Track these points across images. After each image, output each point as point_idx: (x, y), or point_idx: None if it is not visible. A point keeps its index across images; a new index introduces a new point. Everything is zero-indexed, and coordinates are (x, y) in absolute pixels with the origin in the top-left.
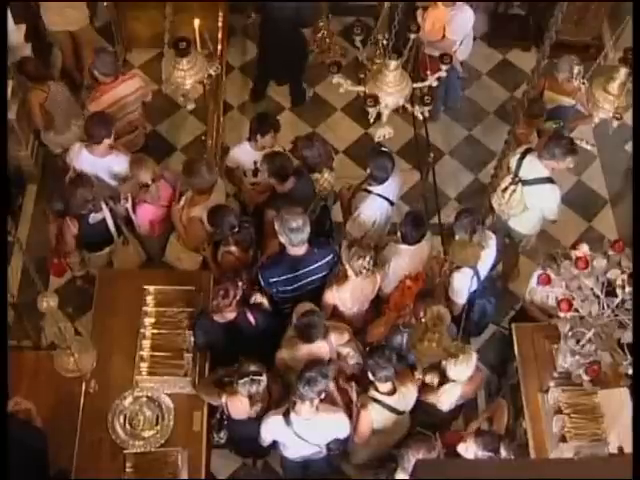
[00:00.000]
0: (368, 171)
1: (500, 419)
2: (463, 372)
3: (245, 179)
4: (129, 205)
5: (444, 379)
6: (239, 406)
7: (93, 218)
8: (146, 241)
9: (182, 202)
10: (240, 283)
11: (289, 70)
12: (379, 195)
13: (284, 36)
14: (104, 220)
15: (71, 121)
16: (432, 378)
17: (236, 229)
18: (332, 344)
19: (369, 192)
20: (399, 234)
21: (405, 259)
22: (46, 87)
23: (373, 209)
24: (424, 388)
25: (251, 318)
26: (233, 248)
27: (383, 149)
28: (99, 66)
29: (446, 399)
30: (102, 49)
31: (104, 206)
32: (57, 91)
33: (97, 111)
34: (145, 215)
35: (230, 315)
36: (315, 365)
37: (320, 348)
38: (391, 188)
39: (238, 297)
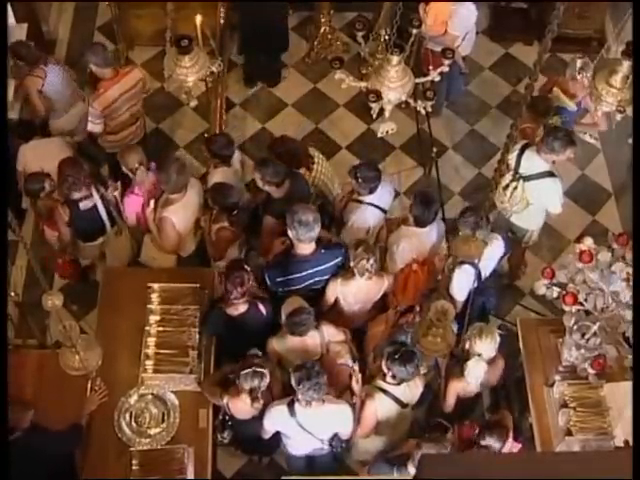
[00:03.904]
0: (358, 188)
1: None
2: (488, 348)
3: None
4: (117, 194)
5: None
6: (241, 406)
7: (84, 205)
8: (135, 233)
9: (155, 202)
10: (249, 269)
11: (268, 44)
12: (370, 204)
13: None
14: (96, 207)
15: (71, 103)
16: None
17: (235, 211)
18: (324, 337)
19: (360, 202)
20: (411, 219)
21: (415, 242)
22: (41, 72)
23: (365, 218)
24: (450, 375)
25: (262, 309)
26: (226, 224)
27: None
28: (92, 58)
29: (473, 377)
30: (95, 43)
31: (95, 193)
32: (54, 74)
33: None
34: (131, 206)
35: (242, 307)
36: (307, 368)
37: (313, 339)
38: (382, 196)
39: (252, 280)
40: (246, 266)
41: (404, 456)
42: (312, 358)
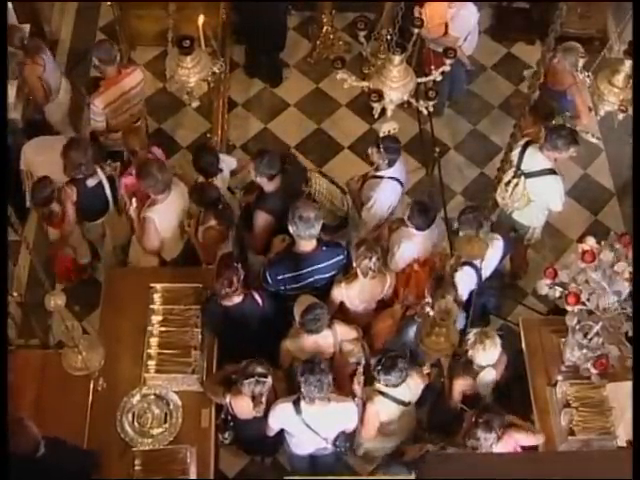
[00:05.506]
0: (378, 159)
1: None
2: (492, 355)
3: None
4: (115, 173)
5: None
6: (244, 406)
7: (90, 182)
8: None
9: (137, 202)
10: (239, 265)
11: (265, 43)
12: (391, 178)
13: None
14: (101, 184)
15: (59, 80)
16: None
17: (219, 205)
18: (337, 336)
19: (380, 177)
20: (410, 226)
21: (415, 242)
22: (41, 60)
23: (388, 193)
24: (454, 374)
25: (258, 298)
26: (214, 222)
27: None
28: (98, 53)
29: (486, 384)
30: (101, 40)
31: (99, 171)
32: (50, 60)
33: None
34: (126, 186)
35: (237, 298)
36: (313, 363)
37: (326, 338)
38: (399, 169)
39: (241, 279)
40: (236, 263)
41: (422, 459)
42: (325, 357)
